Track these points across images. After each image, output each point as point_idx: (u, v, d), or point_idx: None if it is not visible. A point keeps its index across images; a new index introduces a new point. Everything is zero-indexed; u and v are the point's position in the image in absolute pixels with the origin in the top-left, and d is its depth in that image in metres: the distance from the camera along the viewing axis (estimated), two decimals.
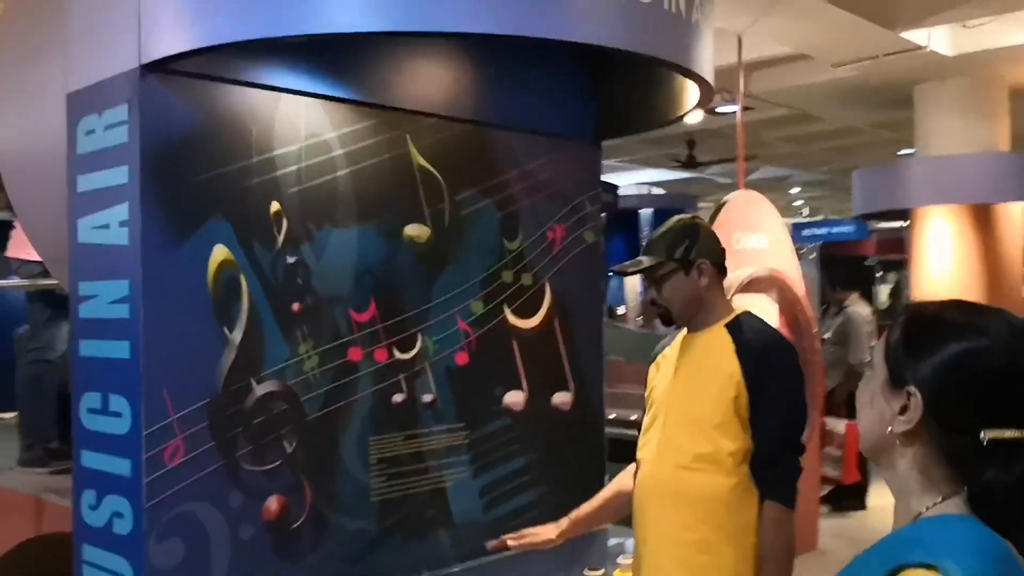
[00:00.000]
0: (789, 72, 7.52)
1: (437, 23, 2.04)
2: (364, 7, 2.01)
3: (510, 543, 2.45)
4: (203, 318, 2.24)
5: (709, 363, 2.19)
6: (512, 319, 3.01)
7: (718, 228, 5.33)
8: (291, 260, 2.42)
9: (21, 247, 3.77)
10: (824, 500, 6.42)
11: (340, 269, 2.53)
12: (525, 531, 2.51)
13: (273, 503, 2.35)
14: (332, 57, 2.48)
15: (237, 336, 2.30)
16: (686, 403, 2.19)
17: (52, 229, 2.49)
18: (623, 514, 2.46)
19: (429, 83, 2.78)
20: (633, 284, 12.51)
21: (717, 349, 2.19)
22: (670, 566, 2.14)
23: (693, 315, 2.26)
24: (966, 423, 1.08)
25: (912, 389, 1.13)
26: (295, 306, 2.42)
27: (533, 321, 3.08)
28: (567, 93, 3.16)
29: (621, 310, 10.86)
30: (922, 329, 1.17)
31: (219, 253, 2.27)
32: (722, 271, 2.30)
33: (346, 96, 2.54)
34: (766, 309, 5.57)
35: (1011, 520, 1.06)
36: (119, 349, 2.18)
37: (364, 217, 2.58)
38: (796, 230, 16.53)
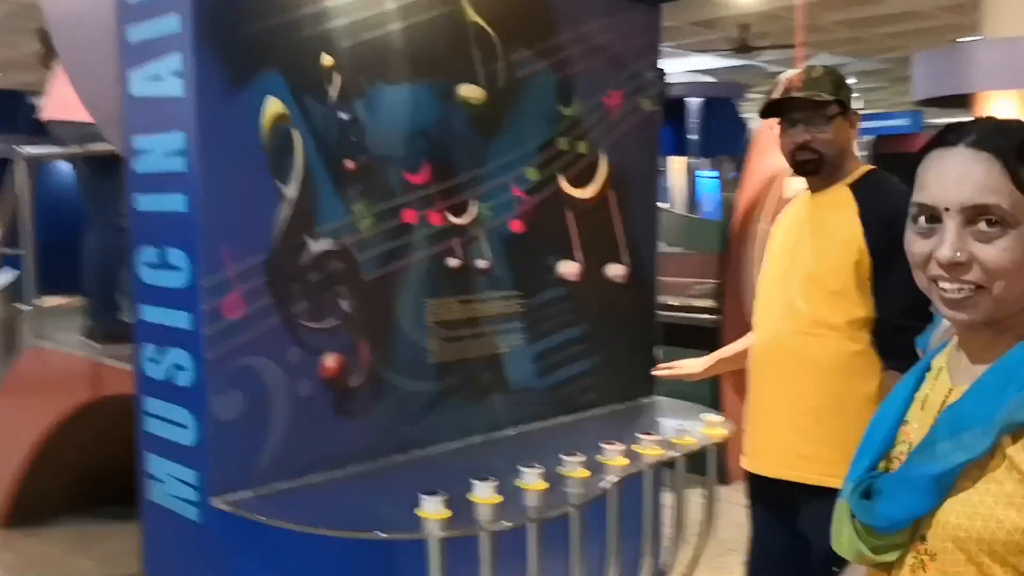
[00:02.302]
0: None
1: None
2: None
3: (660, 373, 2.73)
4: (258, 172, 2.21)
5: (830, 225, 2.07)
6: (567, 188, 2.95)
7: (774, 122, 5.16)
8: (344, 116, 2.36)
9: (60, 108, 3.67)
10: None
11: (393, 128, 2.48)
12: (673, 363, 2.71)
13: (331, 360, 2.36)
14: None
15: (292, 191, 2.27)
16: (806, 266, 2.09)
17: (102, 84, 2.46)
18: None
19: None
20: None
21: (839, 210, 2.07)
22: (786, 434, 2.09)
23: (835, 169, 2.14)
24: None
25: None
26: (349, 164, 2.38)
27: (588, 191, 3.02)
28: None
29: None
30: None
31: (273, 106, 2.22)
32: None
33: None
34: None
35: None
36: (175, 203, 2.16)
37: (417, 74, 2.50)
38: None
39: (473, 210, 2.68)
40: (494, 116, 2.72)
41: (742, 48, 10.31)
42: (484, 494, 2.15)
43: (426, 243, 2.57)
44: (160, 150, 2.19)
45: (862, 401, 1.99)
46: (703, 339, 4.31)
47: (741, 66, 13.86)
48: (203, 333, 2.13)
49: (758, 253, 5.04)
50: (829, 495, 2.06)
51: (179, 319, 2.18)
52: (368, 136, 2.42)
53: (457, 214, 2.64)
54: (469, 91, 2.64)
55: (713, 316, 4.85)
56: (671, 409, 3.37)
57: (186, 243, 2.15)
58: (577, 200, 2.98)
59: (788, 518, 2.15)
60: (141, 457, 2.37)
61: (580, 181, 2.99)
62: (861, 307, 1.99)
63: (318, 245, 2.33)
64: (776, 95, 2.19)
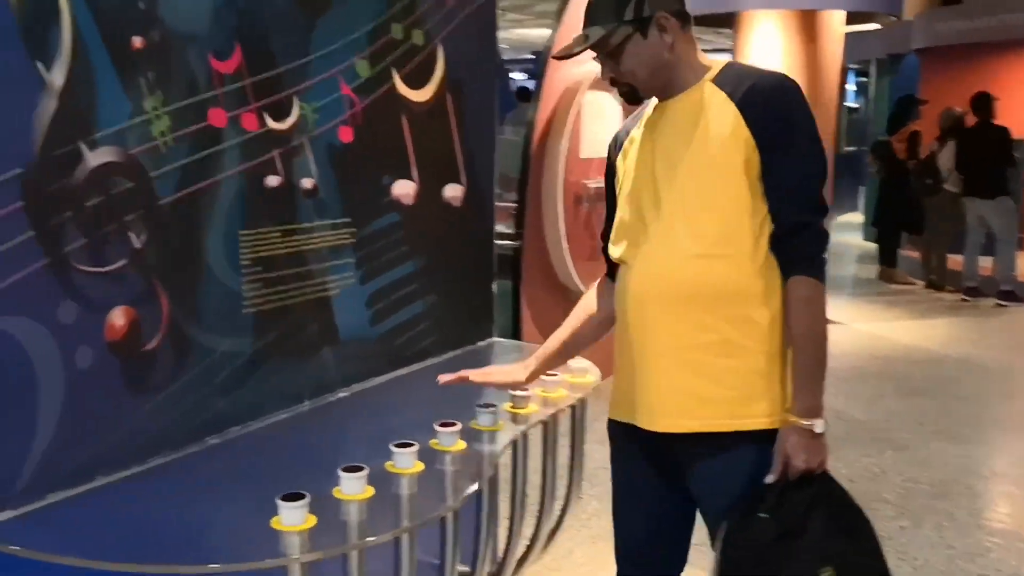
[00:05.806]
0: None
1: None
2: None
3: (473, 378, 1.94)
4: (5, 45, 1.48)
5: (702, 129, 1.67)
6: (402, 88, 2.39)
7: (570, 14, 4.78)
8: None
9: None
10: None
11: None
12: (489, 369, 2.02)
13: (119, 317, 1.70)
14: None
15: (57, 77, 1.56)
16: (684, 181, 1.69)
17: None
18: (594, 341, 1.97)
19: None
20: None
21: (709, 109, 1.67)
22: (683, 375, 1.68)
23: (666, 83, 1.73)
24: None
25: None
26: (137, 41, 1.70)
27: (425, 93, 2.48)
28: None
29: None
30: None
31: None
32: (686, 20, 1.75)
33: None
34: (612, 109, 5.17)
35: None
36: None
37: None
38: None
39: (296, 111, 2.06)
40: None
41: None
42: (353, 488, 1.62)
43: (239, 155, 1.93)
44: None
45: (771, 325, 1.66)
46: (501, 266, 3.90)
47: None
48: None
49: (560, 174, 4.72)
50: (729, 441, 1.73)
51: None
52: (161, 3, 1.73)
53: (277, 117, 2.02)
54: None
55: (512, 242, 4.45)
56: (513, 353, 2.96)
57: None
58: (412, 104, 2.43)
59: (677, 476, 1.78)
60: None
61: (416, 80, 2.43)
62: (759, 213, 1.64)
63: (98, 156, 1.64)
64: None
